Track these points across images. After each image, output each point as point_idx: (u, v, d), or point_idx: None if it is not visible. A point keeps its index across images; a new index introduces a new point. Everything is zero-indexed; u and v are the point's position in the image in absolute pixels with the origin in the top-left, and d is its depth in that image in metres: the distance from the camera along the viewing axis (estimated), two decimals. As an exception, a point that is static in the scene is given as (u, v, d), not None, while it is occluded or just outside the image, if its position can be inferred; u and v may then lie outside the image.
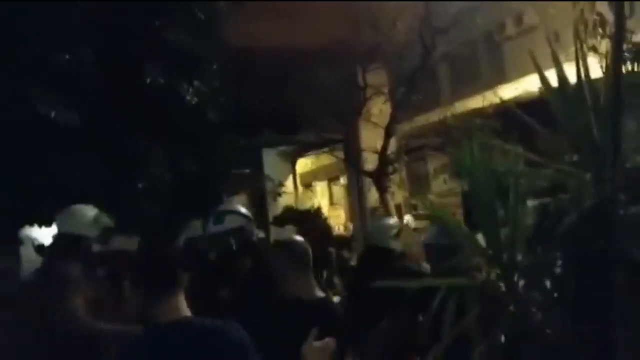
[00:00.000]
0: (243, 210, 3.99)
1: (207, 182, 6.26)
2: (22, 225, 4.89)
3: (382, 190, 9.67)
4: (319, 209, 11.88)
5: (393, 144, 9.96)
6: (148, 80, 4.73)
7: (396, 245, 4.09)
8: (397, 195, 10.85)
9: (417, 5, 9.18)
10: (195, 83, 5.13)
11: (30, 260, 4.75)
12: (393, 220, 4.70)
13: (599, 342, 1.88)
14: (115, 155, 4.56)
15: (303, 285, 2.95)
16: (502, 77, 10.24)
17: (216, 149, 6.61)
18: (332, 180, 15.81)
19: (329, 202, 16.07)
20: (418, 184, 11.69)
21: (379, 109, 9.83)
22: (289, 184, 15.92)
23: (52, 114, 4.02)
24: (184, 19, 5.12)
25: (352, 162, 10.55)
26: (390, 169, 9.70)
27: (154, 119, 4.79)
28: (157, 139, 4.97)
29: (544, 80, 2.06)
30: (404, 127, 10.50)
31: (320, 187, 16.05)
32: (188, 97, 5.07)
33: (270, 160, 14.40)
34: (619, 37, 2.05)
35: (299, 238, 3.14)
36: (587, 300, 1.87)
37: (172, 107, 4.93)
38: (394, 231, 4.17)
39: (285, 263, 2.96)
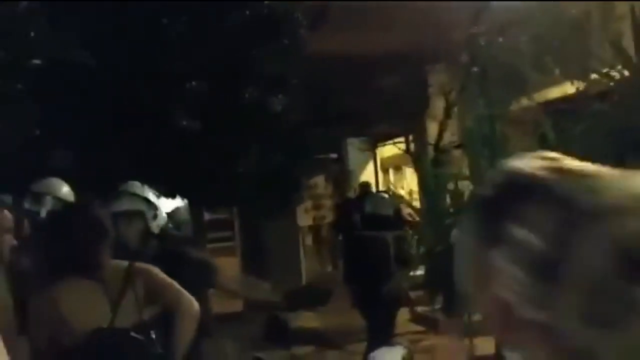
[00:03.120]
0: (146, 193, 3.66)
1: (289, 169, 8.01)
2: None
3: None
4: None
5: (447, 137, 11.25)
6: (246, 96, 6.59)
7: None
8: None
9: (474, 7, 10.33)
10: (281, 96, 6.92)
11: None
12: None
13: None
14: (221, 151, 6.47)
15: None
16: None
17: (299, 141, 8.35)
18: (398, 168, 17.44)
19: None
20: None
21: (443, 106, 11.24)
22: (370, 169, 17.67)
23: (183, 123, 5.94)
24: (273, 46, 6.90)
25: (417, 154, 11.99)
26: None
27: (250, 124, 6.65)
28: (252, 139, 6.85)
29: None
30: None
31: (409, 172, 17.68)
32: (276, 107, 6.88)
33: (353, 148, 16.17)
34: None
35: None
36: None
37: (263, 115, 6.75)
38: None
39: None
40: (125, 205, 3.58)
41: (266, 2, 6.64)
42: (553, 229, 0.81)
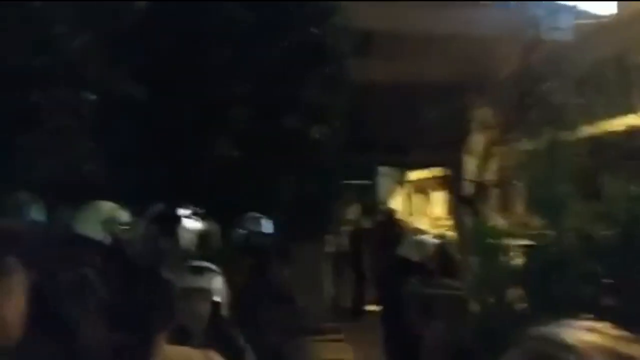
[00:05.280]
0: None
1: (323, 196, 7.87)
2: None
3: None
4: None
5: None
6: (287, 124, 6.48)
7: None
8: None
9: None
10: (321, 125, 6.81)
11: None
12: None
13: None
14: (259, 178, 6.35)
15: None
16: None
17: (334, 168, 8.21)
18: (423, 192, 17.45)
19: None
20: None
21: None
22: (397, 194, 17.54)
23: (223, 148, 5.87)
24: (317, 75, 6.79)
25: (450, 186, 11.77)
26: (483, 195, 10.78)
27: (288, 152, 6.54)
28: (289, 166, 6.73)
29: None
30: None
31: (435, 197, 17.34)
32: (315, 135, 6.76)
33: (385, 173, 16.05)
34: None
35: None
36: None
37: (302, 143, 6.65)
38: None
39: None
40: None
41: (311, 29, 6.53)
42: None
